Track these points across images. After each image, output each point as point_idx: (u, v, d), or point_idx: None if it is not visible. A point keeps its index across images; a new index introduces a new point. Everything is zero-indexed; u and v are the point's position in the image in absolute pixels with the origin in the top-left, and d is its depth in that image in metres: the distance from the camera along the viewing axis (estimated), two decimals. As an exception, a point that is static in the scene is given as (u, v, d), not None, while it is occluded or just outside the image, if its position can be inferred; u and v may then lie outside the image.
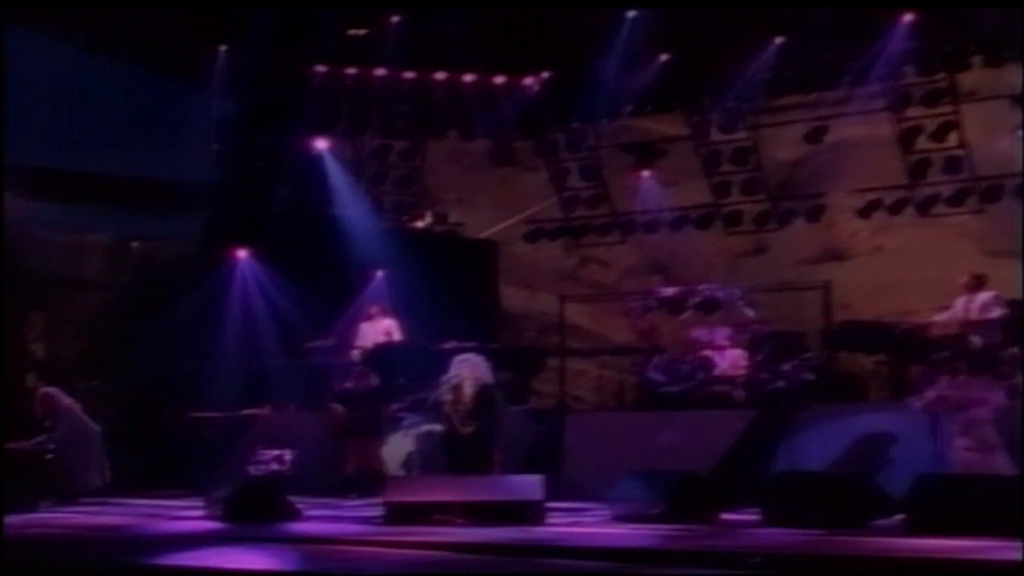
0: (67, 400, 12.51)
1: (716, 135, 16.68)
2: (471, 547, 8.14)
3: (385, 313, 15.29)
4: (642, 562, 7.63)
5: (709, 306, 13.95)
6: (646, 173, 17.05)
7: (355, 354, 15.07)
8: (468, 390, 10.71)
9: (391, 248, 16.37)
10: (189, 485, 13.08)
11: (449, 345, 14.15)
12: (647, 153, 17.01)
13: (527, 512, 9.20)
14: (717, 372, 13.43)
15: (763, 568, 7.11)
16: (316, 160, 17.30)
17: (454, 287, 15.58)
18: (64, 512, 11.19)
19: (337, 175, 17.30)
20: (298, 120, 17.22)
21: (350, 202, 17.25)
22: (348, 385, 12.33)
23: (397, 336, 15.17)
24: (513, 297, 18.64)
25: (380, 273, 16.48)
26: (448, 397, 10.68)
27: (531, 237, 18.16)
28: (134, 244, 17.27)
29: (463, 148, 18.59)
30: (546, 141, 17.76)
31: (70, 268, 16.46)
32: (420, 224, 18.23)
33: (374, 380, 12.20)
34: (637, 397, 14.12)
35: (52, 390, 12.56)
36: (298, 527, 9.52)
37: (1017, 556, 6.91)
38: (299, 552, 8.16)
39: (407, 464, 11.10)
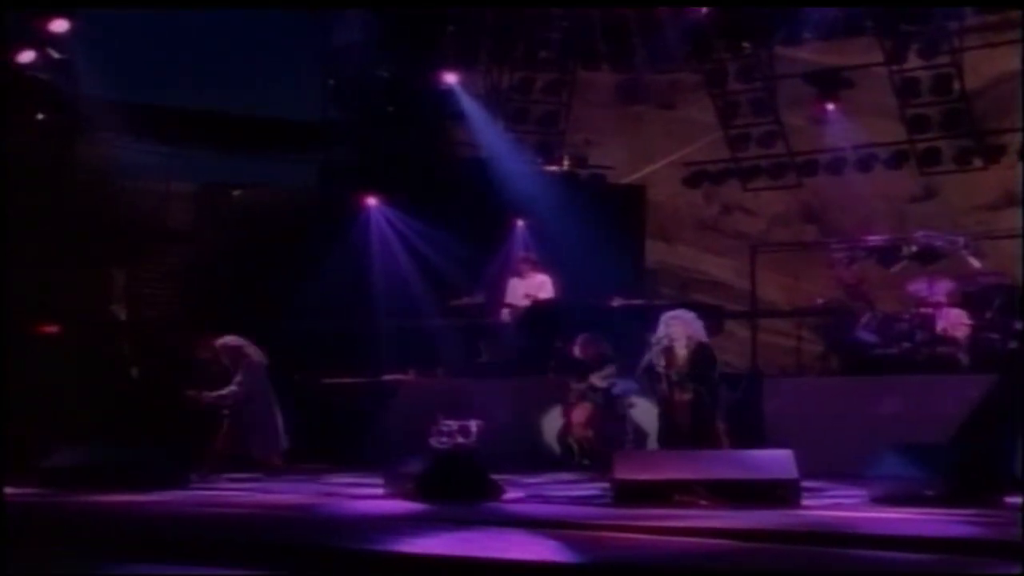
0: (251, 348, 11.95)
1: (914, 61, 15.77)
2: (734, 533, 7.56)
3: (536, 267, 14.82)
4: (954, 553, 6.94)
5: (928, 256, 13.20)
6: (831, 106, 16.22)
7: (505, 313, 14.64)
8: (681, 351, 10.28)
9: (534, 194, 15.80)
10: (337, 458, 12.72)
11: (617, 303, 13.71)
12: (832, 83, 16.14)
13: (782, 492, 8.62)
14: (938, 331, 12.69)
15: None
16: (446, 96, 16.68)
17: (603, 238, 14.99)
18: (223, 488, 10.76)
19: (473, 112, 16.70)
20: (426, 50, 16.60)
21: (487, 143, 16.67)
22: (575, 352, 11.72)
23: (547, 293, 14.65)
24: (649, 249, 17.97)
25: (520, 223, 15.98)
26: (660, 361, 10.19)
27: (692, 181, 17.48)
28: (236, 192, 16.74)
29: (600, 81, 17.86)
30: (713, 71, 16.94)
31: (155, 219, 15.91)
32: (557, 168, 17.61)
33: (605, 347, 11.59)
34: (842, 361, 13.41)
35: (231, 339, 11.98)
36: (509, 507, 9.02)
37: None
38: (523, 536, 7.63)
39: (616, 437, 10.50)
